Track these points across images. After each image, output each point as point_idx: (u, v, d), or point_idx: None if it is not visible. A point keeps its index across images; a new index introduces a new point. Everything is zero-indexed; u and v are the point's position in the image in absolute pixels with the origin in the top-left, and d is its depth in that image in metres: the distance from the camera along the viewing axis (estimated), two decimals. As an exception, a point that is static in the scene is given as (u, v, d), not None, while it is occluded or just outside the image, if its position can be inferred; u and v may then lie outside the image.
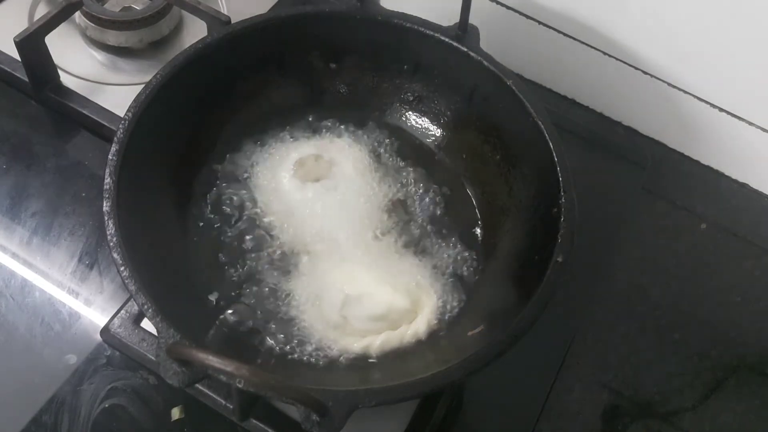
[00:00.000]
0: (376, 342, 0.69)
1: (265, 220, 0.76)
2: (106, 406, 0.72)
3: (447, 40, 0.78)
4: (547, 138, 0.71)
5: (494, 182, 0.79)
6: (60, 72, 0.91)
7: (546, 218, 0.70)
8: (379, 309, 0.70)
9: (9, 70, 0.92)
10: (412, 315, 0.71)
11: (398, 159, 0.83)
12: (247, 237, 0.75)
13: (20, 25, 0.88)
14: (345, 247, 0.74)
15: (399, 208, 0.79)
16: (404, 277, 0.73)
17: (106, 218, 0.63)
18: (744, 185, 0.98)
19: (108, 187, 0.65)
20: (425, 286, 0.73)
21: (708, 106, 0.92)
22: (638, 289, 0.87)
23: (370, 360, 0.69)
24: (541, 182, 0.72)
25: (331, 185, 0.78)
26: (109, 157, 0.67)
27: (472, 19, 0.78)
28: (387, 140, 0.84)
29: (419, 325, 0.71)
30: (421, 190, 0.80)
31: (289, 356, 0.69)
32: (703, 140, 0.97)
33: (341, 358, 0.69)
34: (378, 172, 0.81)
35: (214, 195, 0.78)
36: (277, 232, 0.75)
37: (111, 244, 0.62)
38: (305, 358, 0.69)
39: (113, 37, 0.94)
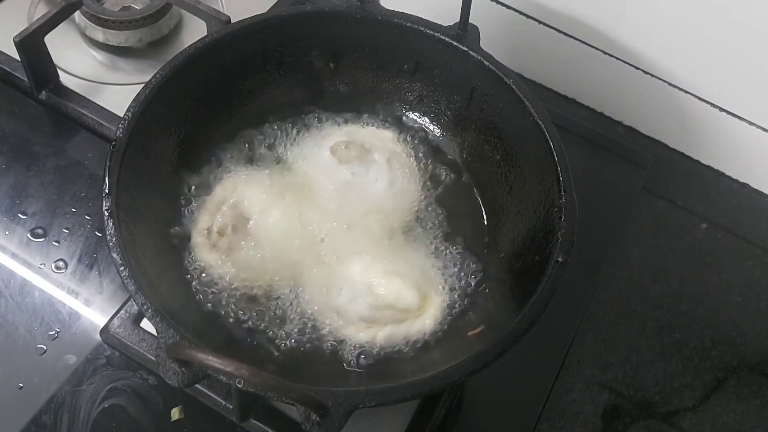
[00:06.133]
0: (382, 333, 0.69)
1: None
2: (106, 406, 0.72)
3: (447, 39, 0.78)
4: (548, 137, 0.71)
5: (494, 182, 0.79)
6: (60, 72, 0.92)
7: (546, 218, 0.70)
8: (386, 298, 0.70)
9: (9, 70, 0.92)
10: (419, 310, 0.71)
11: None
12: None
13: (20, 25, 0.88)
14: (353, 239, 0.74)
15: (399, 206, 0.79)
16: (413, 272, 0.73)
17: (106, 218, 0.63)
18: (744, 185, 0.98)
19: (108, 187, 0.65)
20: (434, 284, 0.73)
21: (708, 106, 0.92)
22: (638, 289, 0.87)
23: (374, 356, 0.69)
24: (541, 182, 0.72)
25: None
26: (109, 157, 0.67)
27: (472, 19, 0.78)
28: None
29: (426, 321, 0.71)
30: (420, 190, 0.80)
31: (292, 344, 0.69)
32: (703, 140, 0.97)
33: (344, 352, 0.69)
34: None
35: (212, 194, 0.77)
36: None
37: (111, 244, 0.62)
38: (309, 346, 0.69)
39: (113, 37, 0.94)
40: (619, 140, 0.99)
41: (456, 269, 0.75)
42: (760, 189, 0.97)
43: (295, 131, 0.83)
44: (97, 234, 0.82)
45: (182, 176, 0.77)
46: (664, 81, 0.93)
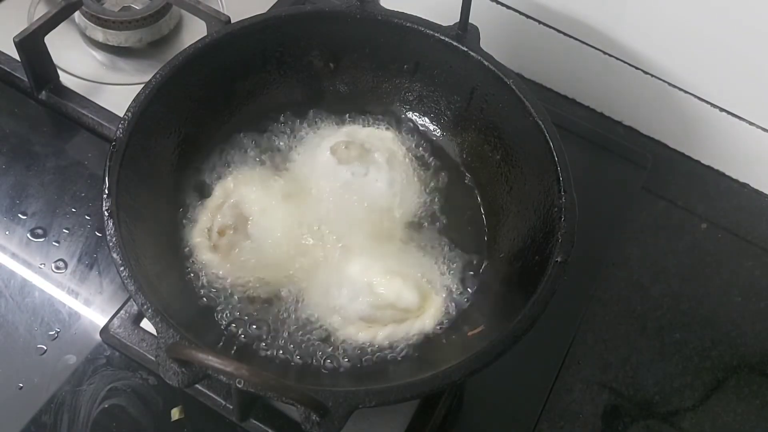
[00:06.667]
0: (382, 333, 0.69)
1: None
2: (106, 406, 0.72)
3: (447, 39, 0.78)
4: (547, 138, 0.71)
5: (494, 182, 0.79)
6: (60, 72, 0.92)
7: (546, 218, 0.70)
8: (387, 298, 0.70)
9: (9, 70, 0.92)
10: (419, 310, 0.71)
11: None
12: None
13: (20, 25, 0.88)
14: (353, 239, 0.75)
15: (399, 206, 0.79)
16: (413, 272, 0.73)
17: (106, 218, 0.63)
18: (744, 185, 0.98)
19: (108, 187, 0.65)
20: (434, 283, 0.73)
21: (708, 106, 0.92)
22: (638, 289, 0.87)
23: (370, 358, 0.69)
24: (541, 182, 0.72)
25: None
26: (109, 157, 0.67)
27: (472, 19, 0.78)
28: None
29: (426, 321, 0.71)
30: (420, 190, 0.80)
31: (292, 344, 0.69)
32: (703, 140, 0.97)
33: (344, 352, 0.69)
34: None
35: (213, 194, 0.77)
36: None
37: (111, 244, 0.62)
38: (309, 346, 0.69)
39: (113, 37, 0.94)
40: (619, 140, 0.99)
41: (456, 269, 0.75)
42: (760, 189, 0.97)
43: (295, 131, 0.83)
44: (97, 234, 0.82)
45: (182, 176, 0.77)
46: (664, 81, 0.93)
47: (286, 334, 0.70)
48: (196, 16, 0.90)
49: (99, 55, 0.96)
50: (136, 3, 0.96)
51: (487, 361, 0.59)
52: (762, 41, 0.83)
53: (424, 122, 0.85)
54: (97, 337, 0.75)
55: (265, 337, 0.69)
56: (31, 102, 0.92)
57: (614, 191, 0.94)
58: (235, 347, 0.68)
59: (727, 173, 0.98)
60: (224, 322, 0.70)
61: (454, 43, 0.78)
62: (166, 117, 0.73)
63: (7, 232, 0.82)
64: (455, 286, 0.74)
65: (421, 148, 0.84)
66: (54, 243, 0.82)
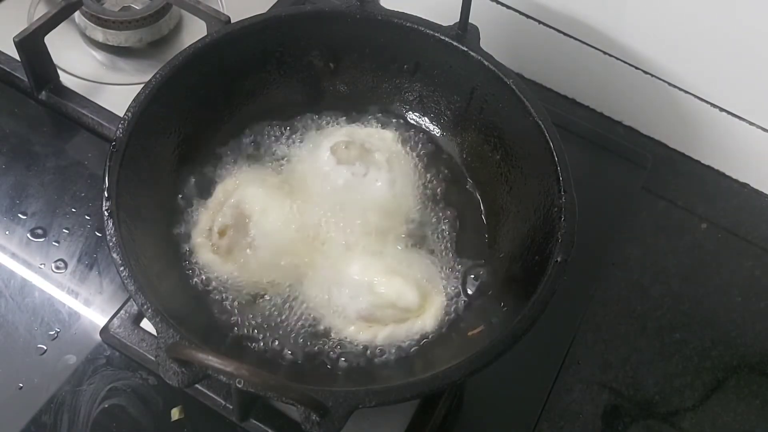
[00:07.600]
0: (382, 333, 0.69)
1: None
2: (106, 406, 0.72)
3: (447, 39, 0.78)
4: (547, 138, 0.71)
5: (494, 182, 0.79)
6: (59, 72, 0.92)
7: (546, 218, 0.70)
8: (388, 297, 0.70)
9: (9, 70, 0.92)
10: (420, 310, 0.71)
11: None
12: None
13: (20, 25, 0.88)
14: (354, 239, 0.75)
15: (399, 206, 0.79)
16: (414, 271, 0.73)
17: (105, 218, 0.63)
18: (744, 185, 0.98)
19: (108, 187, 0.65)
20: (435, 283, 0.73)
21: (708, 106, 0.92)
22: (638, 289, 0.87)
23: (372, 359, 0.69)
24: (541, 182, 0.72)
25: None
26: (109, 157, 0.67)
27: (472, 19, 0.78)
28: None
29: (426, 321, 0.71)
30: (420, 190, 0.80)
31: (292, 344, 0.69)
32: (703, 140, 0.97)
33: (344, 352, 0.69)
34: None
35: (213, 194, 0.77)
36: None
37: (110, 244, 0.62)
38: (309, 346, 0.69)
39: (113, 37, 0.94)
40: (619, 140, 0.99)
41: (456, 269, 0.75)
42: (760, 189, 0.97)
43: (295, 131, 0.83)
44: (97, 234, 0.82)
45: (182, 176, 0.77)
46: (664, 81, 0.93)
47: (286, 334, 0.70)
48: (196, 16, 0.90)
49: (99, 55, 0.96)
50: (136, 3, 0.97)
51: (487, 361, 0.59)
52: (762, 41, 0.83)
53: (424, 122, 0.85)
54: (97, 337, 0.75)
55: (265, 336, 0.69)
56: (31, 102, 0.92)
57: (614, 191, 0.94)
58: (235, 347, 0.68)
59: (727, 173, 0.98)
60: (224, 322, 0.70)
61: (454, 43, 0.78)
62: (166, 117, 0.73)
63: (7, 232, 0.82)
64: (455, 286, 0.74)
65: (421, 148, 0.84)
66: (54, 243, 0.82)
